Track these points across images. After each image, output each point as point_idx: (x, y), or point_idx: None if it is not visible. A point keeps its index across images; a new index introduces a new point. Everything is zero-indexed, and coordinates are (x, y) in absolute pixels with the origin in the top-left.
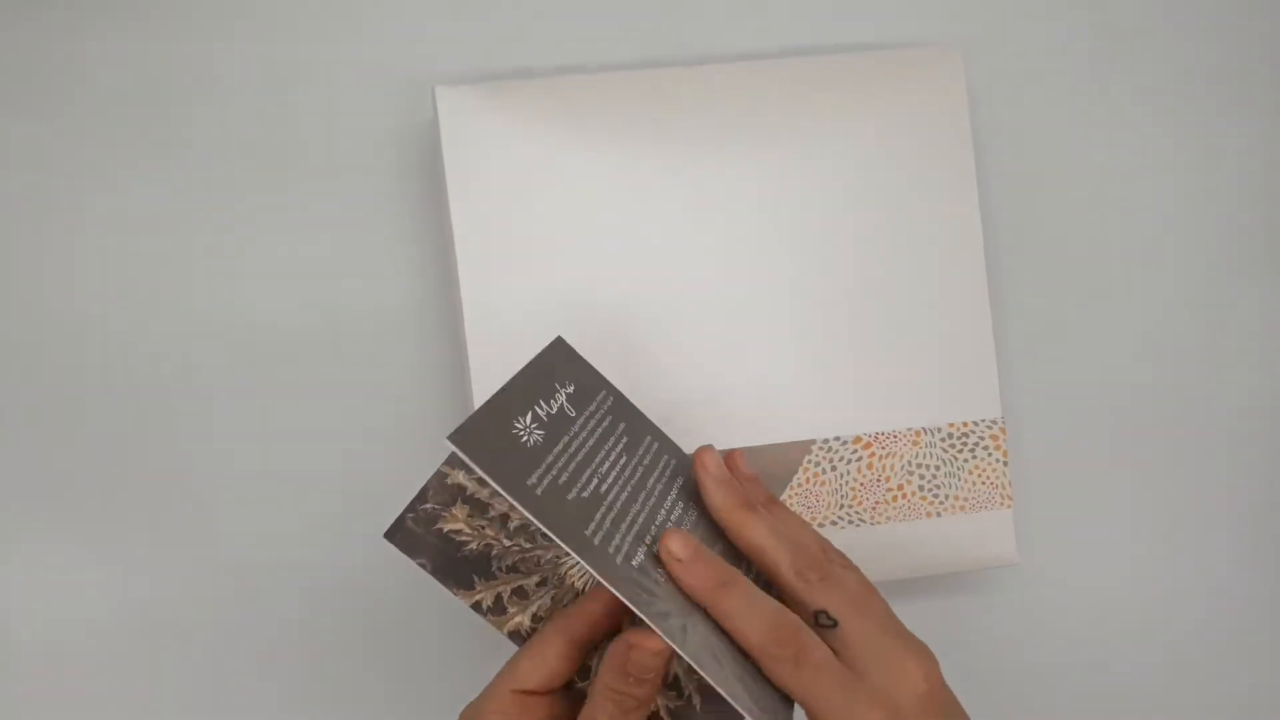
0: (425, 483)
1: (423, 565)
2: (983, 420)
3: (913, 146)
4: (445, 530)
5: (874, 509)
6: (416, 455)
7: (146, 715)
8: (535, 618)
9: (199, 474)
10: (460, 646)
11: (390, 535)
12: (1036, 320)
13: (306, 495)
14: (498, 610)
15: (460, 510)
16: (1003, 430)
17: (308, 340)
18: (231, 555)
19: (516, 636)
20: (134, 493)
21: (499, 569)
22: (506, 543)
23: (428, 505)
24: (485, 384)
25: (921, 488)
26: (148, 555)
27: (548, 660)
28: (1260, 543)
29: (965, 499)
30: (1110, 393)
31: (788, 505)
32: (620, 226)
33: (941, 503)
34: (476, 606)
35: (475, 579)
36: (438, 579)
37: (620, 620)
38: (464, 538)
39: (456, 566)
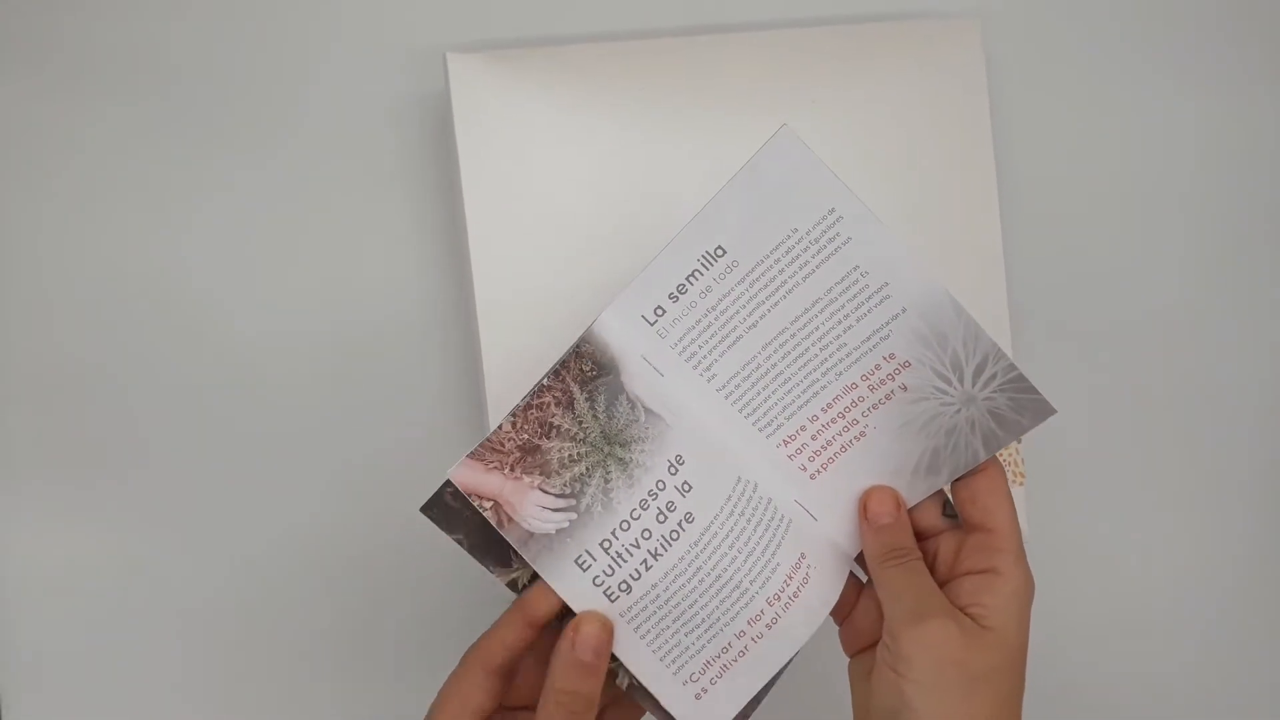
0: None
1: (459, 541)
2: None
3: (929, 118)
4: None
5: None
6: (428, 427)
7: (159, 700)
8: None
9: (204, 460)
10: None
11: (427, 509)
12: (1051, 295)
13: (317, 473)
14: None
15: None
16: None
17: (317, 312)
18: (238, 542)
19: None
20: (135, 478)
21: None
22: None
23: None
24: (495, 352)
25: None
26: (157, 543)
27: (465, 693)
28: (1274, 524)
29: None
30: (1125, 371)
31: None
32: (633, 195)
33: None
34: (512, 585)
35: (512, 557)
36: (474, 556)
37: (535, 638)
38: None
39: (493, 544)
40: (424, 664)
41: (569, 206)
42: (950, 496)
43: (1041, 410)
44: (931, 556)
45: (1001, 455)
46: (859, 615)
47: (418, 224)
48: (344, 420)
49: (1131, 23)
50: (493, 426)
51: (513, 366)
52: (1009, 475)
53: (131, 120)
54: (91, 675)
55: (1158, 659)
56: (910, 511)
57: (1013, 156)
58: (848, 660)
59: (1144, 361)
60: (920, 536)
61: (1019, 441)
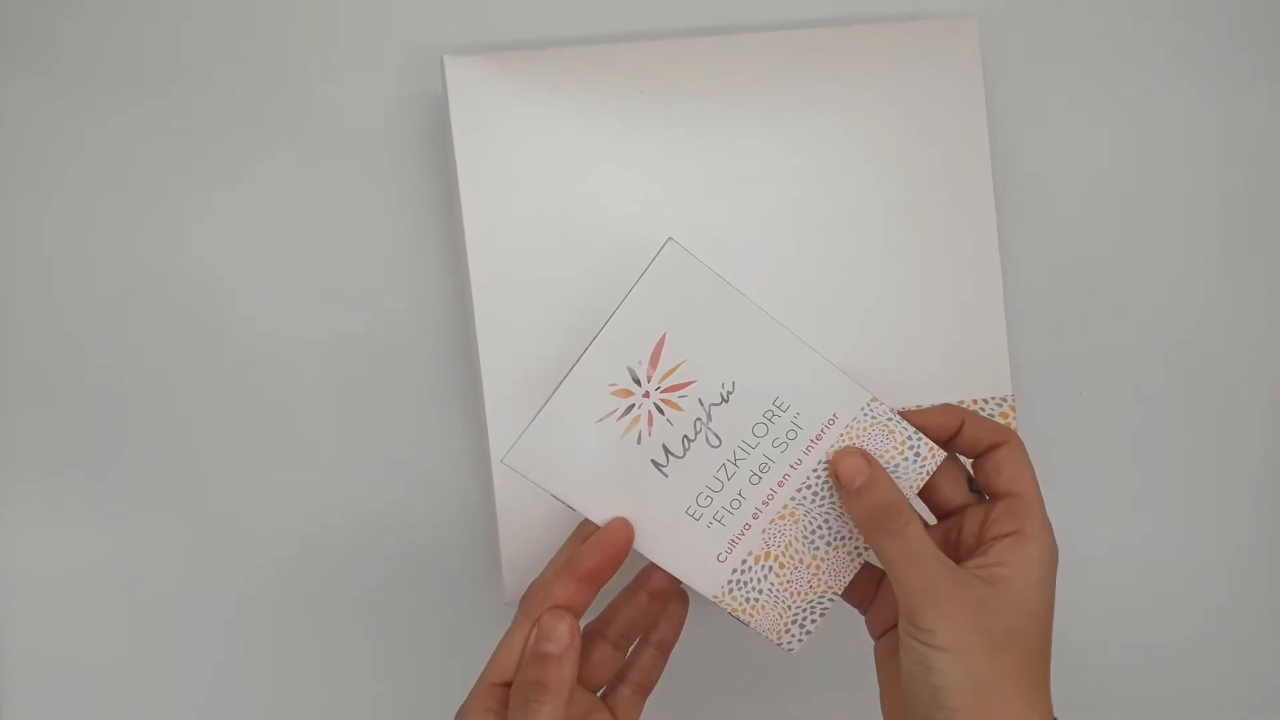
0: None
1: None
2: (993, 397)
3: (927, 119)
4: None
5: None
6: (426, 428)
7: (162, 691)
8: None
9: (205, 460)
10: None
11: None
12: (1049, 296)
13: (316, 473)
14: None
15: None
16: (1013, 408)
17: (314, 313)
18: (238, 542)
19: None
20: (136, 478)
21: None
22: None
23: None
24: (492, 354)
25: None
26: (157, 542)
27: (515, 649)
28: (1274, 521)
29: None
30: (1123, 370)
31: None
32: (631, 198)
33: None
34: None
35: None
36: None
37: (589, 598)
38: None
39: None
40: (423, 664)
41: (566, 208)
42: (972, 474)
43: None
44: (958, 529)
45: None
46: (883, 600)
47: (415, 225)
48: (343, 421)
49: (1129, 22)
50: (491, 426)
51: (510, 368)
52: None
53: (130, 121)
54: (91, 675)
55: (1158, 659)
56: (937, 488)
57: (1010, 156)
58: (873, 645)
59: (1143, 361)
60: (947, 513)
61: None
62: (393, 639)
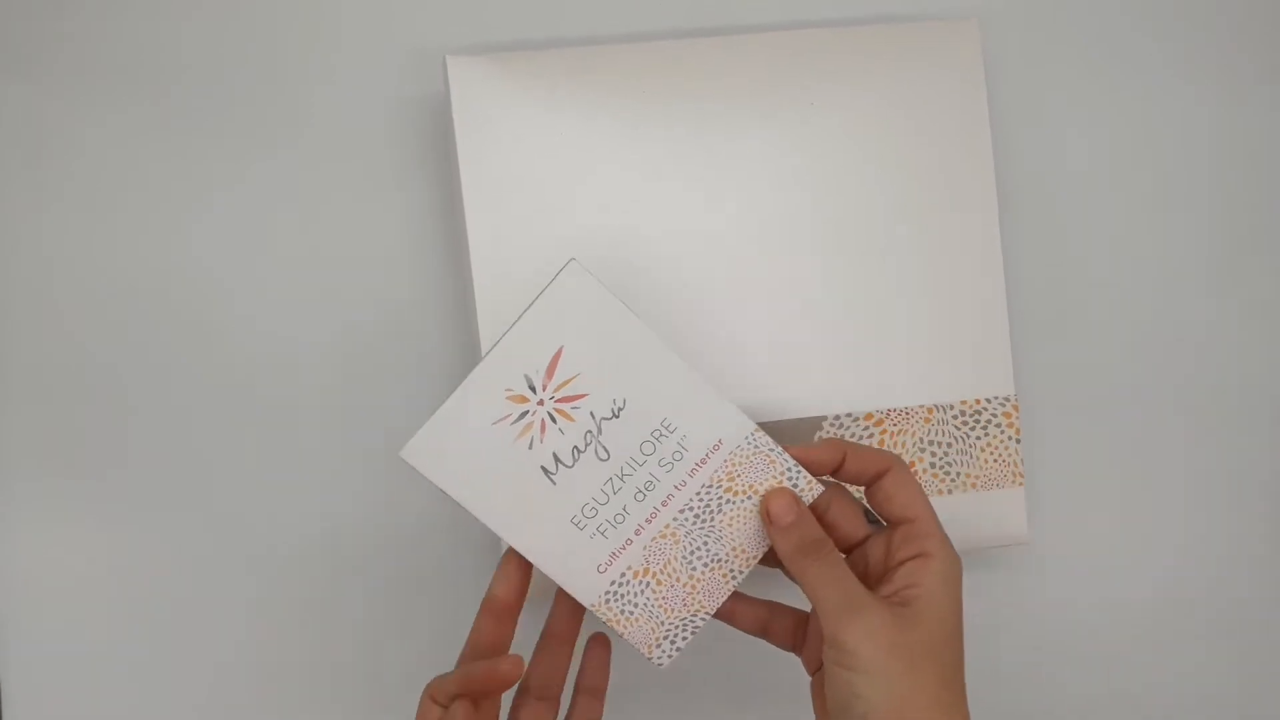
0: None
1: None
2: (996, 397)
3: (928, 120)
4: None
5: None
6: (423, 421)
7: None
8: None
9: (206, 459)
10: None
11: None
12: (1051, 296)
13: (317, 473)
14: None
15: None
16: (1016, 408)
17: (317, 313)
18: (238, 542)
19: None
20: (137, 477)
21: None
22: None
23: None
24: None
25: (933, 465)
26: (159, 542)
27: (511, 579)
28: (1275, 522)
29: (977, 477)
30: (1125, 370)
31: None
32: (633, 197)
33: (953, 480)
34: None
35: None
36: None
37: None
38: None
39: None
40: (425, 664)
41: (568, 208)
42: (867, 505)
43: None
44: (864, 561)
45: (1002, 457)
46: (813, 636)
47: (418, 225)
48: (344, 421)
49: (1130, 23)
50: None
51: None
52: (1010, 477)
53: (130, 121)
54: (92, 675)
55: (1159, 659)
56: (836, 526)
57: (1012, 157)
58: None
59: (1144, 361)
60: (851, 547)
61: (1018, 441)
62: (395, 639)
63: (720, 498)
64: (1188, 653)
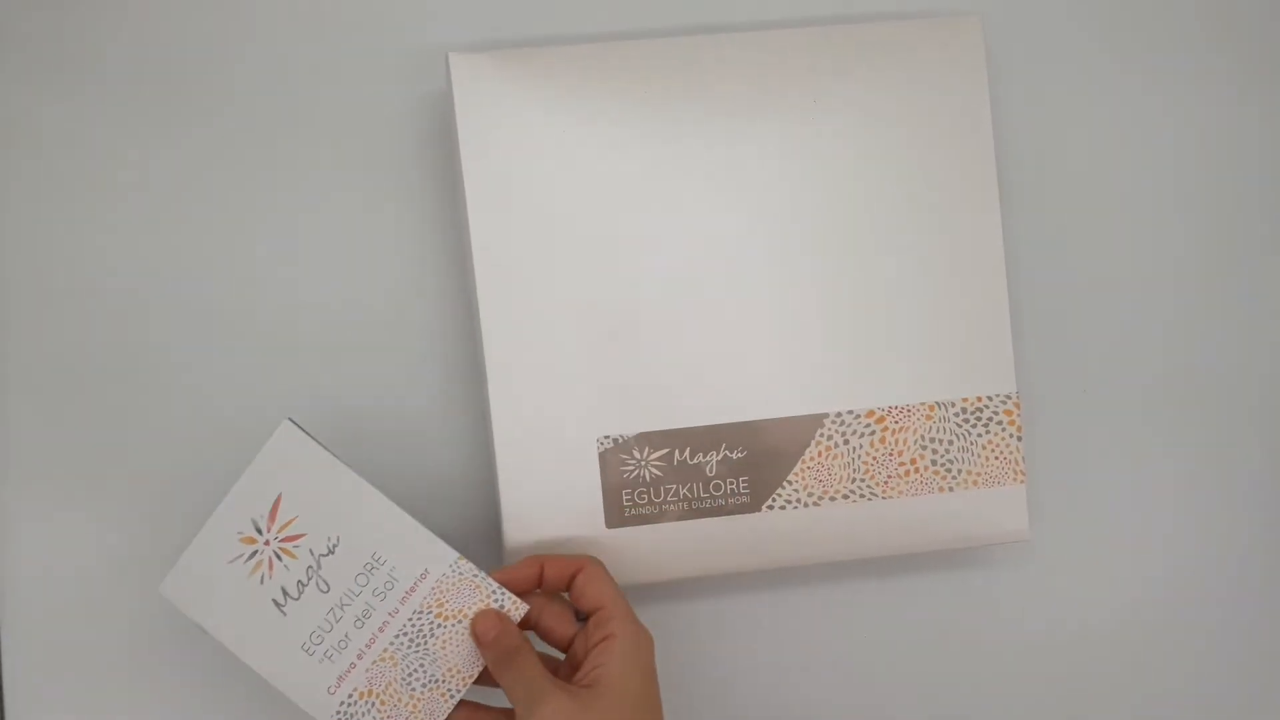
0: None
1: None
2: (997, 394)
3: (930, 117)
4: None
5: (886, 483)
6: (430, 427)
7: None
8: None
9: (206, 460)
10: None
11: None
12: (1052, 294)
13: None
14: None
15: None
16: (1017, 405)
17: (319, 312)
18: None
19: None
20: (138, 477)
21: None
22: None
23: None
24: (497, 353)
25: (934, 462)
26: (160, 542)
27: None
28: (1276, 521)
29: (978, 474)
30: (1126, 367)
31: (800, 478)
32: (635, 195)
33: (954, 477)
34: None
35: None
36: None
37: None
38: None
39: None
40: None
41: (571, 206)
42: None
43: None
44: (573, 654)
45: (1003, 455)
46: None
47: (420, 223)
48: (345, 421)
49: (1133, 21)
50: (496, 426)
51: (516, 368)
52: (1011, 474)
53: (130, 121)
54: (93, 675)
55: (1160, 656)
56: (549, 629)
57: (1014, 155)
58: None
59: (1145, 361)
60: (565, 645)
61: (1020, 439)
62: None
63: (432, 622)
64: (1189, 651)
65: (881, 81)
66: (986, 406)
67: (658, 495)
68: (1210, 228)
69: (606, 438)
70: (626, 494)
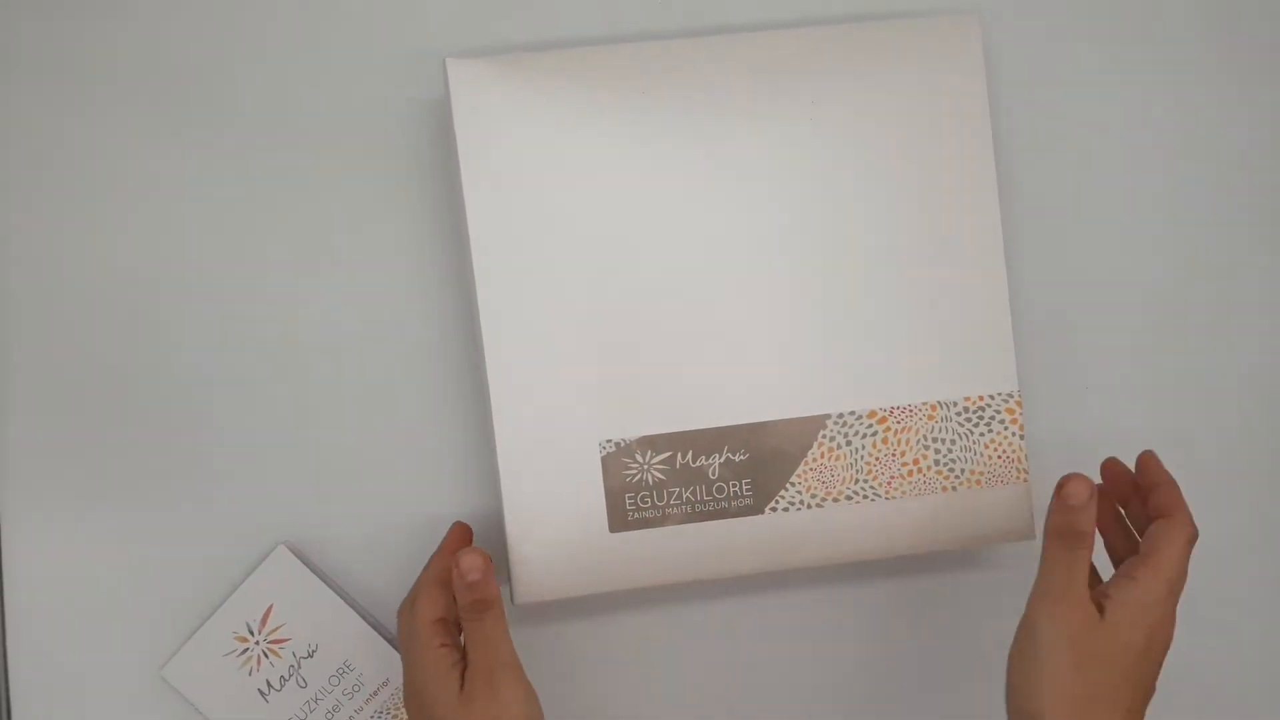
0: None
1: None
2: (999, 394)
3: (930, 116)
4: None
5: (889, 483)
6: (431, 432)
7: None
8: None
9: (208, 460)
10: None
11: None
12: (1054, 292)
13: (319, 474)
14: None
15: None
16: (1019, 404)
17: (319, 317)
18: (239, 542)
19: None
20: (140, 478)
21: None
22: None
23: None
24: (497, 355)
25: (937, 462)
26: (161, 542)
27: (421, 608)
28: (1276, 522)
29: (981, 473)
30: (1128, 367)
31: (803, 479)
32: (635, 199)
33: (957, 477)
34: None
35: None
36: None
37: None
38: None
39: None
40: None
41: (570, 210)
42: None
43: None
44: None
45: (1006, 454)
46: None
47: (419, 228)
48: (345, 422)
49: (1132, 19)
50: (498, 427)
51: (515, 368)
52: (1014, 473)
53: (131, 122)
54: (94, 675)
55: None
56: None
57: (1013, 154)
58: None
59: (1146, 359)
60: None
61: (1022, 438)
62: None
63: None
64: (1189, 650)
65: (880, 81)
66: (989, 406)
67: (661, 499)
68: (1210, 226)
69: (609, 441)
70: (630, 497)
